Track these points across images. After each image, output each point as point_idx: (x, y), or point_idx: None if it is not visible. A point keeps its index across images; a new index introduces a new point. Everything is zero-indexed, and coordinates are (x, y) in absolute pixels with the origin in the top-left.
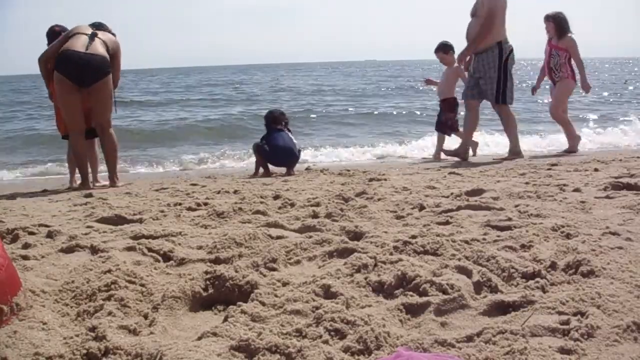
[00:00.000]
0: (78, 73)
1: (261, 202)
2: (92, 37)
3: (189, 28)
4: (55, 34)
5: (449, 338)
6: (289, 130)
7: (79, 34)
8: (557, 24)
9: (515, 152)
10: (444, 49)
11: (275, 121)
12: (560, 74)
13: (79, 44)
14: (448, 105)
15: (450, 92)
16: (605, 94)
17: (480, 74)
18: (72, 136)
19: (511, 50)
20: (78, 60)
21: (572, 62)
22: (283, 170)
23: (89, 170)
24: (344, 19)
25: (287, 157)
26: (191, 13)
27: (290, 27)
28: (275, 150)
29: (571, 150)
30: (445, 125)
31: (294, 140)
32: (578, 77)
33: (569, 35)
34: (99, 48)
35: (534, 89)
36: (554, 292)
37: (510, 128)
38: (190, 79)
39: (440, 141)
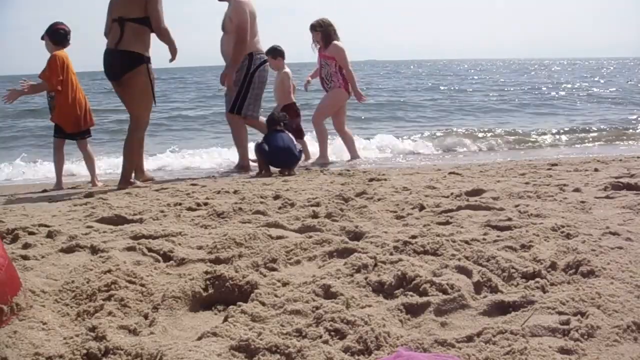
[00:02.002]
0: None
1: (261, 202)
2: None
3: (188, 27)
4: (60, 34)
5: (449, 338)
6: (289, 131)
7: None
8: (323, 33)
9: (242, 166)
10: (272, 53)
11: (274, 122)
12: (332, 84)
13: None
14: (292, 112)
15: (288, 97)
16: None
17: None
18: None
19: (262, 62)
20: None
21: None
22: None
23: (136, 168)
24: (344, 19)
25: (287, 158)
26: (190, 11)
27: (290, 26)
28: (275, 151)
29: (354, 157)
30: (299, 131)
31: (294, 140)
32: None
33: (335, 42)
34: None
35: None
36: (554, 292)
37: (238, 141)
38: (200, 78)
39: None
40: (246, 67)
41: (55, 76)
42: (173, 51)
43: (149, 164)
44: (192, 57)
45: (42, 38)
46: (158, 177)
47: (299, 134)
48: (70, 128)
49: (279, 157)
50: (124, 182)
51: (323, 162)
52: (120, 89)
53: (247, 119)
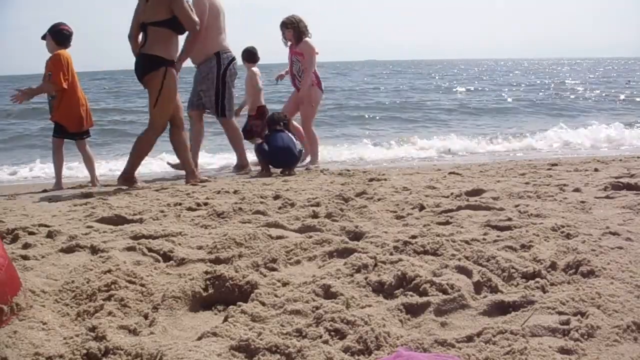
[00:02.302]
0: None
1: (261, 202)
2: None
3: None
4: (64, 34)
5: (449, 338)
6: (289, 131)
7: None
8: (295, 30)
9: (241, 165)
10: (245, 56)
11: (273, 122)
12: (303, 81)
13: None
14: (257, 113)
15: (259, 98)
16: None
17: (202, 86)
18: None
19: (231, 61)
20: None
21: (316, 68)
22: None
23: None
24: (344, 19)
25: (286, 158)
26: None
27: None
28: (275, 151)
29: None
30: (251, 132)
31: (295, 141)
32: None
33: (307, 40)
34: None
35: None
36: (554, 292)
37: (235, 141)
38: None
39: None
40: (216, 68)
41: (63, 75)
42: (183, 58)
43: (155, 166)
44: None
45: (44, 37)
46: (157, 177)
47: (249, 135)
48: (74, 128)
49: (278, 156)
50: (122, 178)
51: (315, 165)
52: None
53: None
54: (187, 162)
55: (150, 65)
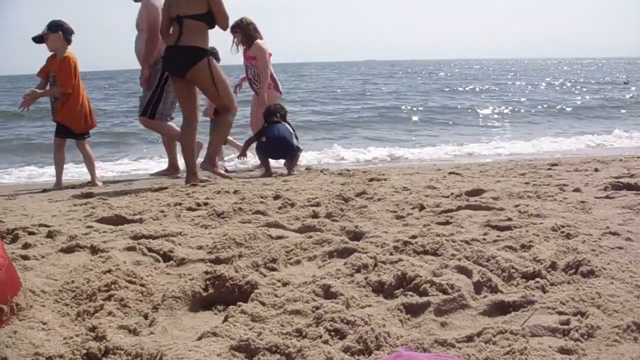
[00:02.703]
0: None
1: (261, 202)
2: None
3: None
4: (72, 32)
5: (449, 338)
6: (288, 123)
7: None
8: (243, 33)
9: (174, 166)
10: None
11: (270, 114)
12: (261, 85)
13: None
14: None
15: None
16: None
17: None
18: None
19: None
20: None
21: (273, 71)
22: (283, 170)
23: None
24: (344, 19)
25: (282, 147)
26: None
27: (290, 26)
28: (271, 142)
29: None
30: None
31: (291, 132)
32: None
33: (257, 42)
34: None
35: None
36: (554, 292)
37: (169, 143)
38: None
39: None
40: (160, 70)
41: (70, 80)
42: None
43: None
44: None
45: (40, 40)
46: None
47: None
48: (78, 129)
49: (274, 146)
50: (208, 163)
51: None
52: (184, 84)
53: (154, 120)
54: (191, 162)
55: (193, 58)
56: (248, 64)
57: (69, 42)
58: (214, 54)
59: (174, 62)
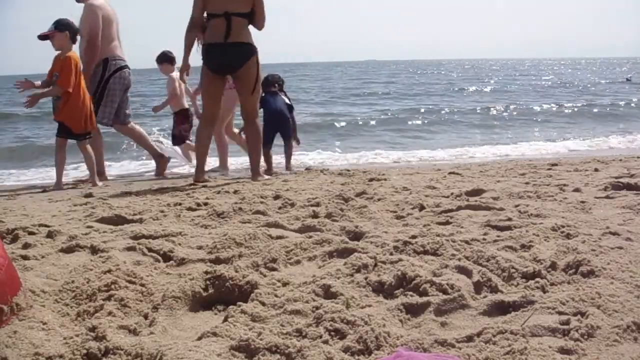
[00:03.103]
0: None
1: (261, 202)
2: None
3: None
4: (77, 31)
5: (449, 338)
6: (285, 93)
7: None
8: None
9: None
10: (160, 59)
11: (268, 84)
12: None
13: None
14: (182, 117)
15: (179, 103)
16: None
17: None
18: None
19: (120, 68)
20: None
21: None
22: (283, 170)
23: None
24: (344, 19)
25: (279, 120)
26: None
27: (290, 26)
28: (269, 115)
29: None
30: (180, 137)
31: (287, 102)
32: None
33: None
34: None
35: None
36: (554, 292)
37: (141, 140)
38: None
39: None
40: (100, 74)
41: (70, 79)
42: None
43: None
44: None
45: (54, 33)
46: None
47: (179, 140)
48: (78, 129)
49: (271, 119)
50: (255, 174)
51: (223, 171)
52: (221, 83)
53: (117, 124)
54: (203, 161)
55: (247, 54)
56: None
57: (74, 41)
58: (170, 57)
59: (226, 57)
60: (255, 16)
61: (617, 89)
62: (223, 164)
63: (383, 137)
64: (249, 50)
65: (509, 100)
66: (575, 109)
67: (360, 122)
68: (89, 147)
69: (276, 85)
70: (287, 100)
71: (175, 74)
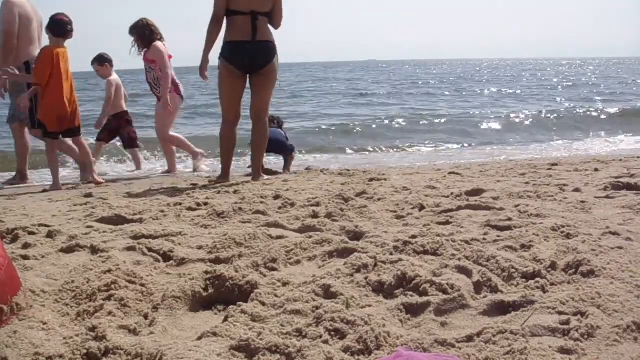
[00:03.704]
0: None
1: (261, 202)
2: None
3: (189, 28)
4: (60, 24)
5: (449, 338)
6: (281, 128)
7: None
8: (138, 35)
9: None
10: (98, 61)
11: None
12: (162, 89)
13: None
14: (122, 121)
15: (117, 106)
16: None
17: (18, 99)
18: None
19: None
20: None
21: (174, 74)
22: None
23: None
24: (344, 19)
25: (275, 145)
26: (191, 13)
27: (290, 26)
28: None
29: (171, 170)
30: (132, 140)
31: (285, 135)
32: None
33: (155, 44)
34: None
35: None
36: (554, 292)
37: (21, 148)
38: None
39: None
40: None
41: (44, 70)
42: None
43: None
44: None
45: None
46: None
47: (132, 143)
48: (52, 127)
49: (270, 146)
50: (257, 174)
51: (173, 174)
52: (242, 83)
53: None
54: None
55: (273, 52)
56: (147, 67)
57: (58, 35)
58: (110, 59)
59: (254, 55)
60: (274, 15)
61: None
62: (172, 168)
63: None
64: (274, 49)
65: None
66: None
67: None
68: (86, 145)
69: (274, 122)
70: (284, 134)
71: (113, 77)
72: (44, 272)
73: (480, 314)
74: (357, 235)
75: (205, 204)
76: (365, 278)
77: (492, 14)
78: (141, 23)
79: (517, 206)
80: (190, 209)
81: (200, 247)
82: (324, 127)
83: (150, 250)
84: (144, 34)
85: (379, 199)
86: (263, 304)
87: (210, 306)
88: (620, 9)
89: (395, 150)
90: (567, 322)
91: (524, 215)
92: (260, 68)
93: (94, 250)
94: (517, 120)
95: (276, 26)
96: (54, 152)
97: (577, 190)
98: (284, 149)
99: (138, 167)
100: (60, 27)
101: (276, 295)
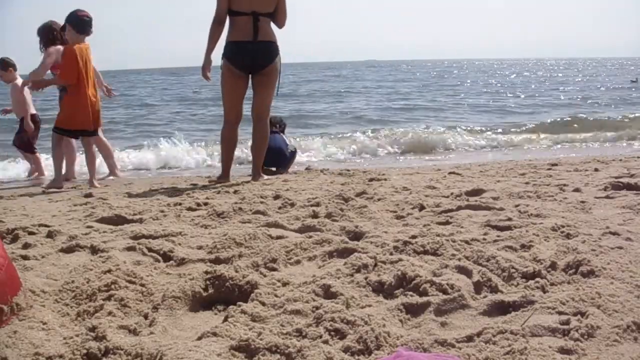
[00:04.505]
0: None
1: (261, 202)
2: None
3: (189, 28)
4: (84, 22)
5: (449, 338)
6: (283, 133)
7: None
8: (42, 39)
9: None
10: (5, 66)
11: (270, 124)
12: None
13: None
14: (27, 123)
15: (23, 109)
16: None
17: None
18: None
19: None
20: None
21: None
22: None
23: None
24: (344, 19)
25: (275, 157)
26: (191, 14)
27: (290, 26)
28: (268, 151)
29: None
30: (29, 144)
31: (287, 142)
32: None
33: (56, 47)
34: None
35: None
36: (554, 292)
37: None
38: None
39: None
40: None
41: (72, 72)
42: None
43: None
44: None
45: (63, 28)
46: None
47: (29, 147)
48: (61, 124)
49: (272, 157)
50: (257, 174)
51: (115, 176)
52: (245, 83)
53: None
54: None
55: (275, 52)
56: (51, 74)
57: (81, 32)
58: (14, 63)
59: (256, 55)
60: (278, 14)
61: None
62: (112, 171)
63: None
64: (276, 49)
65: None
66: None
67: None
68: (94, 147)
69: (277, 125)
70: (286, 140)
71: (19, 81)
72: (44, 272)
73: (480, 314)
74: (357, 235)
75: (205, 204)
76: (365, 278)
77: (492, 14)
78: (44, 26)
79: (517, 206)
80: (190, 209)
81: (200, 247)
82: None
83: (150, 250)
84: (46, 38)
85: (379, 199)
86: (263, 304)
87: (210, 306)
88: (620, 9)
89: None
90: (567, 322)
91: (524, 215)
92: (262, 68)
93: (94, 250)
94: None
95: (280, 25)
96: (60, 147)
97: (577, 190)
98: (282, 161)
99: (41, 173)
100: (83, 25)
101: (276, 295)
